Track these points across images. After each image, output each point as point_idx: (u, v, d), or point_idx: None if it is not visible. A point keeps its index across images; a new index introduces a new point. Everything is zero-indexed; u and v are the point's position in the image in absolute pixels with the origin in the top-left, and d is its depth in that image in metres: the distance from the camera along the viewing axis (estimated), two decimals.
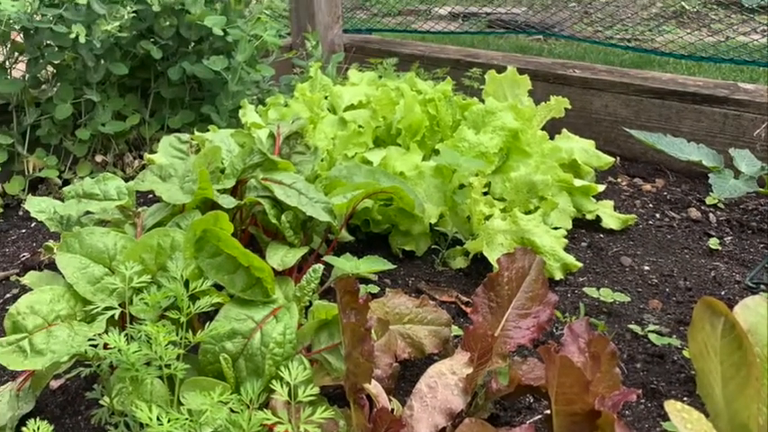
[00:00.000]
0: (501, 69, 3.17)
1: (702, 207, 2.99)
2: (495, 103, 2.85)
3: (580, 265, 2.48)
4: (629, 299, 2.32)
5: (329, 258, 2.13)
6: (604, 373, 1.51)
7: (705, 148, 2.62)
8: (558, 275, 2.42)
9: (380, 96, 2.97)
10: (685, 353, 2.04)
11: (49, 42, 3.17)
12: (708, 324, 1.38)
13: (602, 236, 2.75)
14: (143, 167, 2.91)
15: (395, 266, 2.25)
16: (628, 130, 2.90)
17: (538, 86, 3.27)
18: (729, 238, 2.75)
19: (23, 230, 2.98)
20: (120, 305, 1.76)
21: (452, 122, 2.90)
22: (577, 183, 2.77)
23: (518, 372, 1.63)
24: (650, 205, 3.03)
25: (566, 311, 2.27)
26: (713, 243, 2.69)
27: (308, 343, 1.81)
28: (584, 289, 2.38)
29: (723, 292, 2.37)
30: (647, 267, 2.54)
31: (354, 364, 1.50)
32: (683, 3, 6.62)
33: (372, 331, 1.54)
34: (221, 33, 3.31)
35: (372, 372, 1.50)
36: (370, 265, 2.10)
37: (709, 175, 2.55)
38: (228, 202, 2.17)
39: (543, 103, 3.02)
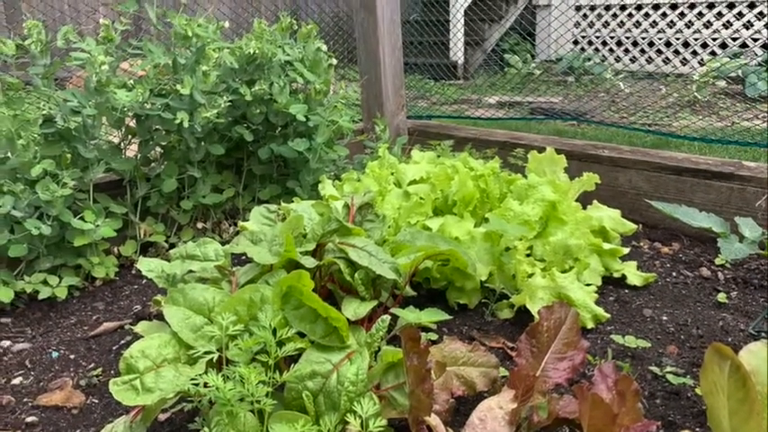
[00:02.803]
0: (541, 150, 3.20)
1: (712, 267, 2.98)
2: (536, 179, 2.87)
3: (608, 316, 2.49)
4: (649, 344, 2.33)
5: (395, 310, 2.15)
6: (629, 408, 1.51)
7: (714, 216, 2.60)
8: (590, 325, 2.43)
9: (439, 173, 3.01)
10: (698, 390, 2.03)
11: (157, 127, 3.22)
12: (717, 366, 1.39)
13: (626, 291, 2.75)
14: (237, 233, 2.95)
15: (451, 317, 2.26)
16: (649, 201, 2.91)
17: (572, 164, 3.28)
18: (735, 293, 2.73)
19: (135, 286, 3.03)
20: (217, 350, 1.79)
21: (500, 195, 2.92)
22: (606, 246, 2.79)
23: (555, 406, 1.63)
24: (668, 265, 3.03)
25: (596, 355, 2.27)
26: (721, 297, 2.68)
27: (378, 382, 1.82)
28: (612, 336, 2.38)
29: (730, 339, 2.37)
30: (665, 318, 2.53)
31: (417, 399, 1.52)
32: (695, 93, 6.59)
33: (432, 372, 1.56)
34: (304, 119, 3.36)
35: (432, 406, 1.52)
36: (430, 316, 2.11)
37: (718, 239, 2.54)
38: (310, 262, 2.20)
39: (577, 178, 3.05)
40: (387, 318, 1.93)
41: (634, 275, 2.81)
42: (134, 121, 3.22)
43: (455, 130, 4.62)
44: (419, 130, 4.71)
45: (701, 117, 6.00)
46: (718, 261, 3.02)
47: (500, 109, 6.86)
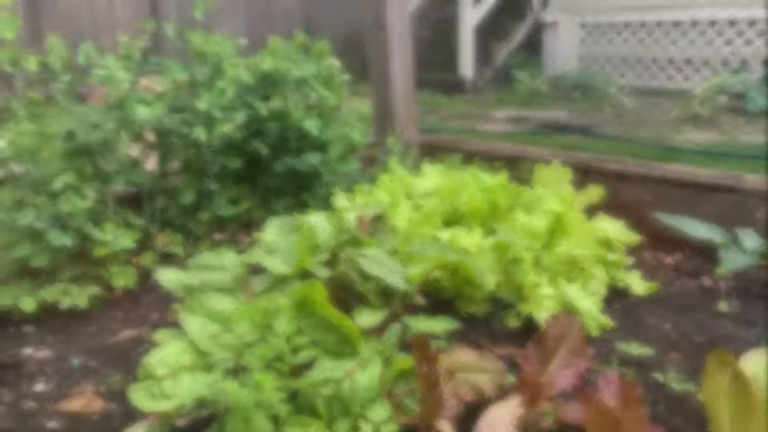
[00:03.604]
0: (547, 163, 3.20)
1: (714, 276, 2.97)
2: (543, 191, 2.87)
3: (612, 324, 2.49)
4: (653, 352, 2.33)
5: (406, 319, 2.15)
6: (632, 414, 1.51)
7: (716, 227, 2.61)
8: (595, 333, 2.43)
9: (448, 185, 3.00)
10: (700, 396, 2.01)
11: (175, 141, 3.24)
12: (718, 373, 1.41)
13: (630, 300, 2.75)
14: (253, 244, 2.96)
15: (460, 326, 2.26)
16: (652, 212, 2.91)
17: (578, 177, 3.29)
18: (736, 302, 2.73)
19: (154, 296, 3.03)
20: (233, 357, 1.80)
21: (508, 207, 2.91)
22: (611, 256, 2.79)
23: (561, 412, 1.63)
24: (671, 275, 3.02)
25: (601, 362, 2.27)
26: (722, 306, 2.68)
27: (389, 388, 1.82)
28: (616, 344, 2.38)
29: (731, 347, 2.35)
30: (668, 326, 2.53)
31: (427, 405, 1.52)
32: (697, 109, 6.58)
33: (441, 378, 1.56)
34: (317, 134, 3.36)
35: (442, 412, 1.53)
36: (440, 324, 2.12)
37: (719, 250, 2.55)
38: (323, 272, 2.21)
39: (582, 190, 3.05)
40: (398, 326, 1.93)
41: (638, 285, 2.80)
42: (153, 135, 3.24)
43: (464, 144, 4.60)
44: (429, 144, 4.69)
45: (703, 131, 6.00)
46: (719, 271, 3.00)
47: (508, 123, 6.85)
